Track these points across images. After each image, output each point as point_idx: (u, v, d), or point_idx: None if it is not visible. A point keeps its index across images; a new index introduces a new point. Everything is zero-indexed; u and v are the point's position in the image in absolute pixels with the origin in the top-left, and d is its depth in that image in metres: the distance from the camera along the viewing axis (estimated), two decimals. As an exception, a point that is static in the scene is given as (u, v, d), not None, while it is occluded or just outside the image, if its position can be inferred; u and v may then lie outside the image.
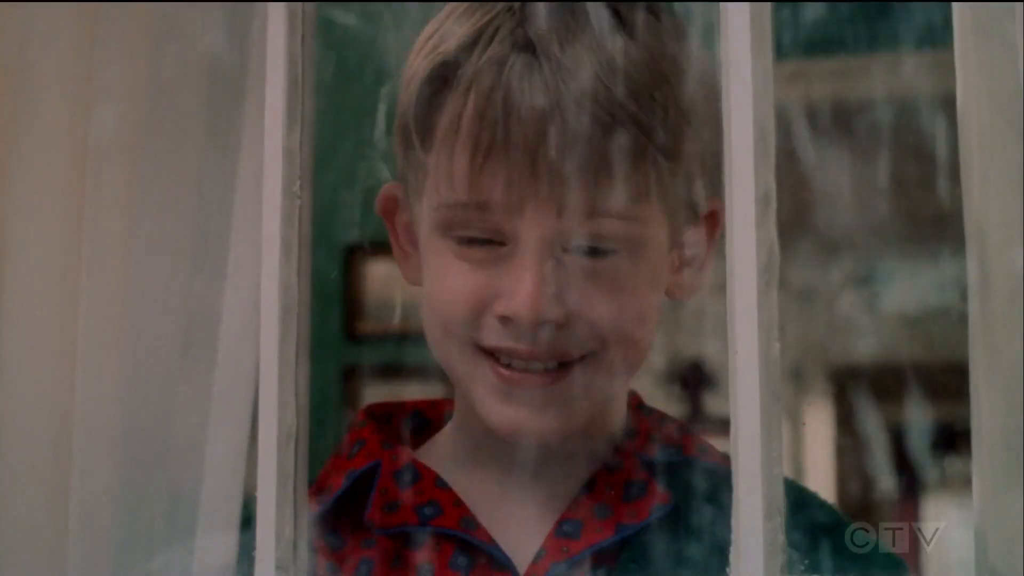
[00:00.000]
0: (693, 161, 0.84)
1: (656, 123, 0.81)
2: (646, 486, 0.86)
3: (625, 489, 0.86)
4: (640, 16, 0.84)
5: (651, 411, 0.92)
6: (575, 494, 0.86)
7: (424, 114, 0.84)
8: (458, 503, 0.86)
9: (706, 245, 0.89)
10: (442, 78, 0.83)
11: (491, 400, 0.83)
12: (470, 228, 0.82)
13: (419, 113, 0.85)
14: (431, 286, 0.85)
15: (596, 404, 0.85)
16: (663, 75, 0.82)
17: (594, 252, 0.82)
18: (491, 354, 0.82)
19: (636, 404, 0.91)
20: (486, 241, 0.82)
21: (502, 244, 0.82)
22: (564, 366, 0.82)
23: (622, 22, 0.83)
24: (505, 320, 0.80)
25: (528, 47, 0.81)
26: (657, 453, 0.88)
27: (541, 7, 0.83)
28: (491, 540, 0.84)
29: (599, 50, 0.81)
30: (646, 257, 0.83)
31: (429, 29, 0.87)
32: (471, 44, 0.83)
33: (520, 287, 0.80)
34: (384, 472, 0.87)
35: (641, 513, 0.85)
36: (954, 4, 0.69)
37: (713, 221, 0.88)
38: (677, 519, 0.85)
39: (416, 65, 0.86)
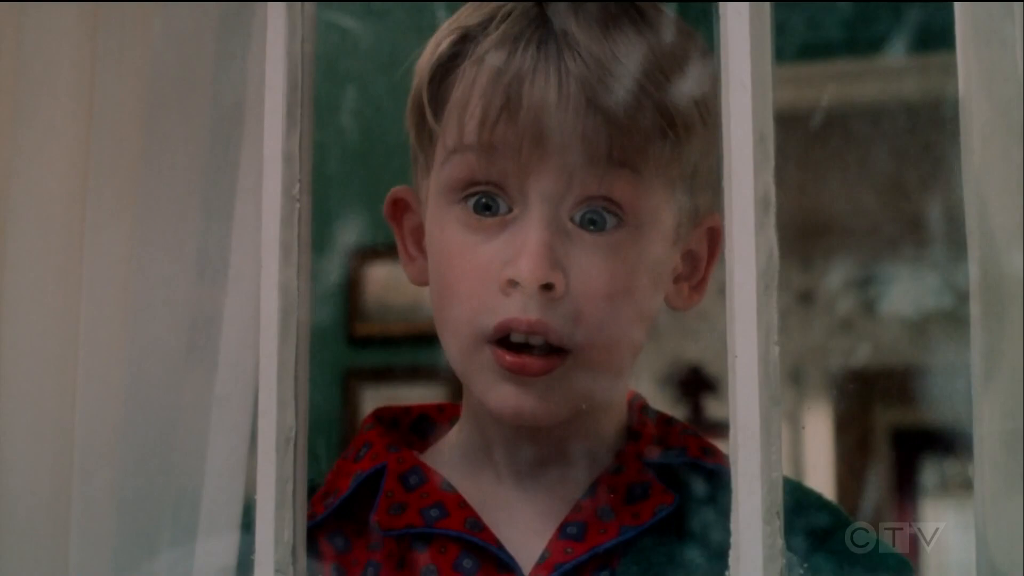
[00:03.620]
0: (702, 159, 0.85)
1: (666, 100, 0.82)
2: (649, 488, 0.86)
3: (628, 491, 0.86)
4: (656, 13, 0.86)
5: (655, 413, 0.92)
6: (579, 496, 0.86)
7: (438, 86, 0.86)
8: (464, 505, 0.86)
9: (706, 260, 0.89)
10: (458, 54, 0.85)
11: (493, 385, 0.83)
12: (477, 185, 0.83)
13: (433, 85, 0.86)
14: (440, 270, 0.86)
15: (593, 393, 0.85)
16: (676, 61, 0.84)
17: (600, 225, 0.82)
18: (495, 344, 0.82)
19: (640, 407, 0.92)
20: (493, 206, 0.83)
21: (509, 211, 0.82)
22: (560, 353, 0.82)
23: (642, 17, 0.85)
24: (510, 287, 0.81)
25: (544, 24, 0.83)
26: (660, 455, 0.88)
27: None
28: (496, 542, 0.84)
29: (615, 31, 0.83)
30: (649, 239, 0.84)
31: (448, 21, 0.89)
32: (487, 21, 0.85)
33: (524, 248, 0.81)
34: (390, 474, 0.88)
35: (644, 515, 0.85)
36: (956, 4, 0.69)
37: (715, 236, 0.89)
38: (680, 520, 0.85)
39: (433, 47, 0.87)
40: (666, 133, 0.83)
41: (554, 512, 0.86)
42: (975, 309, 0.68)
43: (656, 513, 0.85)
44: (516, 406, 0.83)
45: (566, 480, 0.87)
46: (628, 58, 0.82)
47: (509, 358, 0.81)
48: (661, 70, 0.83)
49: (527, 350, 0.82)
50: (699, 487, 0.85)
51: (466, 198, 0.84)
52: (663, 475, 0.87)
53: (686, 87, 0.84)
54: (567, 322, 0.81)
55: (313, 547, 0.76)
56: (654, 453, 0.88)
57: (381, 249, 2.70)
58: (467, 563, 0.84)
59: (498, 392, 0.83)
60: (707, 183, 0.87)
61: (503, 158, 0.82)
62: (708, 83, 0.84)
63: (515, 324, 0.81)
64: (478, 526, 0.85)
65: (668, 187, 0.84)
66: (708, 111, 0.84)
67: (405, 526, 0.86)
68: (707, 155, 0.85)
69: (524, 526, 0.86)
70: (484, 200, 0.83)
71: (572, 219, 0.82)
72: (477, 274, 0.83)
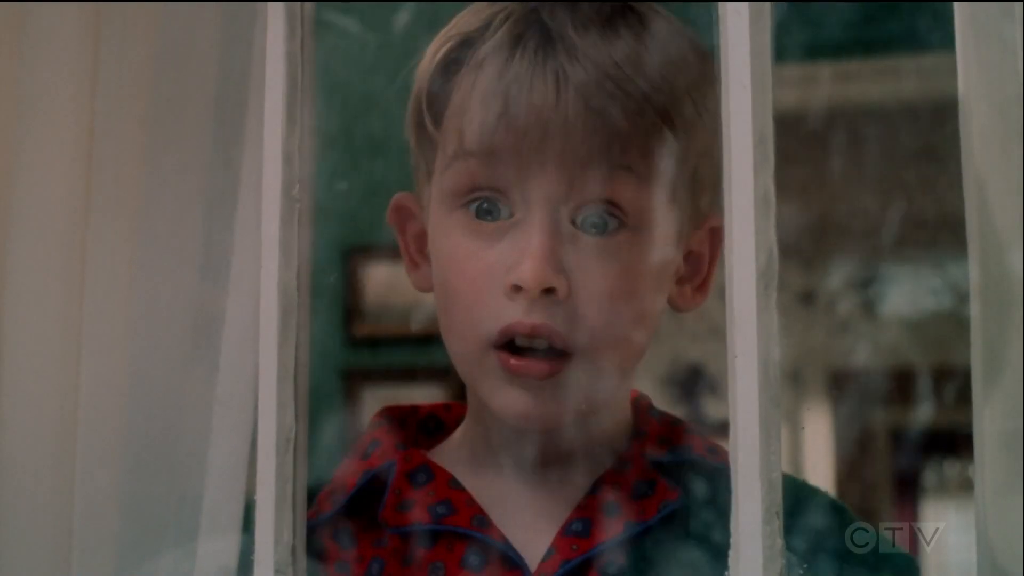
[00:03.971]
0: (702, 160, 0.85)
1: (665, 102, 0.83)
2: (654, 484, 0.86)
3: (633, 488, 0.86)
4: (654, 14, 0.86)
5: (660, 413, 0.92)
6: (584, 493, 0.86)
7: (437, 92, 0.86)
8: (471, 503, 0.86)
9: (709, 260, 0.89)
10: (456, 60, 0.85)
11: (498, 389, 0.83)
12: (479, 191, 0.83)
13: (432, 92, 0.86)
14: (444, 276, 0.86)
15: (597, 394, 0.85)
16: (674, 62, 0.84)
17: (601, 228, 0.82)
18: (500, 348, 0.82)
19: (646, 407, 0.92)
20: (495, 211, 0.83)
21: (511, 216, 0.83)
22: (564, 356, 0.82)
23: (639, 19, 0.85)
24: (514, 292, 0.81)
25: (542, 28, 0.83)
26: (665, 453, 0.88)
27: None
28: (503, 539, 0.85)
29: (612, 34, 0.83)
30: (651, 241, 0.84)
31: (446, 27, 0.89)
32: (485, 27, 0.85)
33: (527, 252, 0.81)
34: (398, 472, 0.88)
35: (649, 511, 0.85)
36: (955, 4, 0.69)
37: (717, 237, 0.89)
38: (686, 517, 0.85)
39: (432, 53, 0.88)
40: (665, 135, 0.83)
41: (559, 509, 0.86)
42: (975, 309, 0.68)
43: (661, 509, 0.85)
44: (522, 410, 0.83)
45: (571, 477, 0.87)
46: (626, 60, 0.82)
47: (514, 362, 0.82)
48: (659, 72, 0.83)
49: (531, 354, 0.82)
50: (704, 485, 0.86)
51: (468, 204, 0.84)
52: (668, 473, 0.87)
53: (684, 88, 0.84)
54: (571, 325, 0.81)
55: (318, 545, 0.77)
56: (659, 451, 0.89)
57: (381, 249, 2.70)
58: (473, 560, 0.84)
59: (504, 396, 0.83)
60: (708, 184, 0.87)
61: (504, 163, 0.82)
62: (707, 84, 0.84)
63: (519, 328, 0.81)
64: (485, 523, 0.85)
65: (669, 188, 0.84)
66: (707, 112, 0.84)
67: (412, 523, 0.86)
68: (707, 156, 0.85)
69: (530, 523, 0.86)
70: (486, 205, 0.83)
71: (574, 222, 0.82)
72: (480, 279, 0.83)
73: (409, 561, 0.85)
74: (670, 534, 0.85)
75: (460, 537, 0.85)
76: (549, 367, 0.82)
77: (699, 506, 0.85)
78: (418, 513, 0.86)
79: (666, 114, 0.83)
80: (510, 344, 0.82)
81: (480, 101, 0.83)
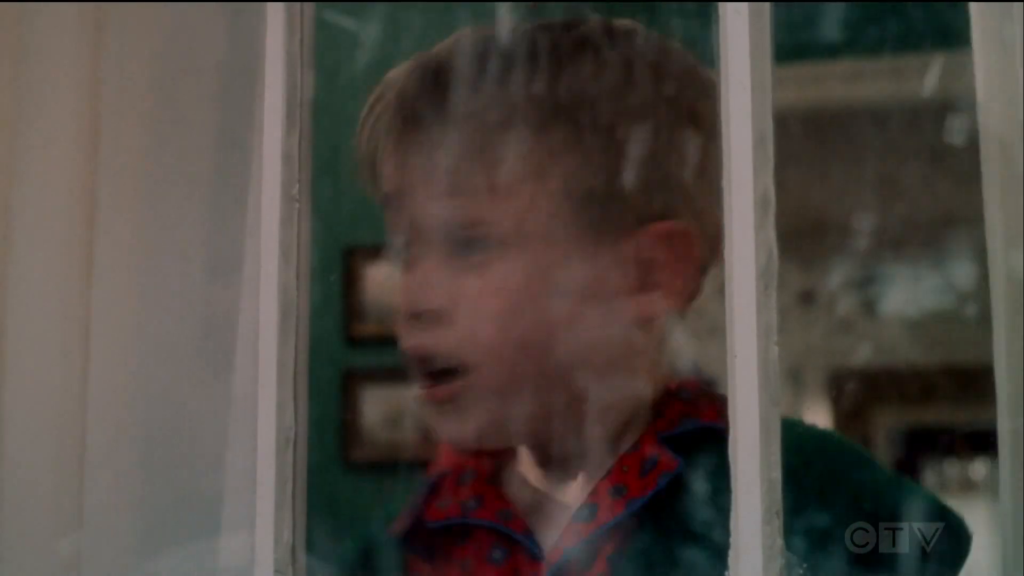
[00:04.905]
0: (619, 170, 0.84)
1: (546, 115, 0.84)
2: (656, 460, 0.86)
3: (640, 467, 0.86)
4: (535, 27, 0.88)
5: (690, 394, 0.90)
6: (599, 479, 0.87)
7: (364, 152, 0.91)
8: (501, 497, 0.88)
9: (672, 267, 0.86)
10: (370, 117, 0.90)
11: (431, 419, 0.87)
12: (396, 233, 0.88)
13: (361, 152, 0.91)
14: None
15: (512, 409, 0.86)
16: (558, 69, 0.84)
17: (478, 247, 0.84)
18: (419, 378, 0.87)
19: (675, 388, 0.90)
20: (403, 250, 0.87)
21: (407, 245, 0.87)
22: (458, 375, 0.84)
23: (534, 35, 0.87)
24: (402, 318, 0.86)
25: (430, 66, 0.86)
26: (675, 428, 0.87)
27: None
28: (526, 531, 0.85)
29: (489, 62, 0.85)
30: (535, 250, 0.84)
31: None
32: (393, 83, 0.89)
33: (406, 279, 0.86)
34: (451, 474, 0.90)
35: (649, 485, 0.85)
36: (971, 5, 0.69)
37: (674, 241, 0.86)
38: (686, 482, 0.85)
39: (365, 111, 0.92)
40: (542, 150, 0.84)
41: (577, 499, 0.87)
42: (997, 308, 0.68)
43: (659, 481, 0.85)
44: (455, 436, 0.87)
45: (591, 469, 0.88)
46: (498, 77, 0.84)
47: (421, 389, 0.85)
48: (541, 82, 0.84)
49: (431, 379, 0.85)
50: (707, 448, 0.84)
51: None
52: (671, 443, 0.86)
53: (576, 94, 0.84)
54: (456, 343, 0.84)
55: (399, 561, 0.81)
56: (669, 428, 0.88)
57: (381, 249, 2.69)
58: (497, 554, 0.86)
59: (436, 426, 0.87)
60: (638, 190, 0.85)
61: (393, 205, 0.88)
62: (583, 87, 0.84)
63: (407, 350, 0.85)
64: (510, 516, 0.86)
65: (553, 203, 0.84)
66: (595, 122, 0.84)
67: (445, 518, 0.88)
68: (608, 167, 0.84)
69: (553, 516, 0.87)
70: (400, 244, 0.88)
71: (452, 245, 0.84)
72: (396, 307, 0.87)
73: (438, 555, 0.88)
74: (668, 503, 0.85)
75: (487, 531, 0.86)
76: (445, 390, 0.84)
77: (703, 471, 0.84)
78: (452, 508, 0.88)
79: (546, 128, 0.83)
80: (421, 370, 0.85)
81: (366, 143, 0.89)
